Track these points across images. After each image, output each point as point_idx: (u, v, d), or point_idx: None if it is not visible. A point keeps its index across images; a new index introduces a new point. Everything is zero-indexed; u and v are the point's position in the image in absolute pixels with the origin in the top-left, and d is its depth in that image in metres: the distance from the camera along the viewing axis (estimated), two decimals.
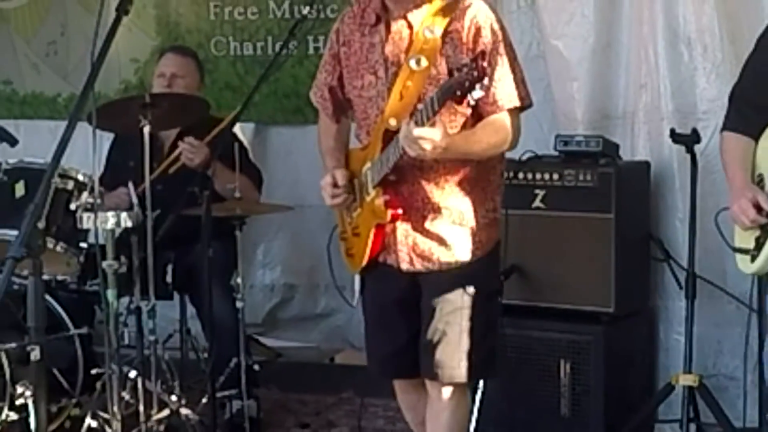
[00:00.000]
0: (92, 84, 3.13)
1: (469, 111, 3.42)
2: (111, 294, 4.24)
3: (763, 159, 3.40)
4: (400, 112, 3.34)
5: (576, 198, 4.55)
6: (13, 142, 5.32)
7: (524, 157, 4.65)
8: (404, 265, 3.53)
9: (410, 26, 3.45)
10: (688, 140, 4.35)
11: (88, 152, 3.81)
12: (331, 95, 3.69)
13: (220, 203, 4.73)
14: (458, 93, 3.10)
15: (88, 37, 3.25)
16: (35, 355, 2.91)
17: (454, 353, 3.49)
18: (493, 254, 3.60)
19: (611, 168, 4.53)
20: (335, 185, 3.57)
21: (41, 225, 3.01)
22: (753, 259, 3.39)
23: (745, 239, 3.43)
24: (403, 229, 3.50)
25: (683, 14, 4.67)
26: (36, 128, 6.35)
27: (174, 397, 4.52)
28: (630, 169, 4.69)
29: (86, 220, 4.26)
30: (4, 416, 4.33)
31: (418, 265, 3.52)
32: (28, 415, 4.23)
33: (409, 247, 3.51)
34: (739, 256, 3.49)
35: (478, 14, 3.41)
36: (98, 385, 4.46)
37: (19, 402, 4.33)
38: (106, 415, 4.29)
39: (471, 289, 3.49)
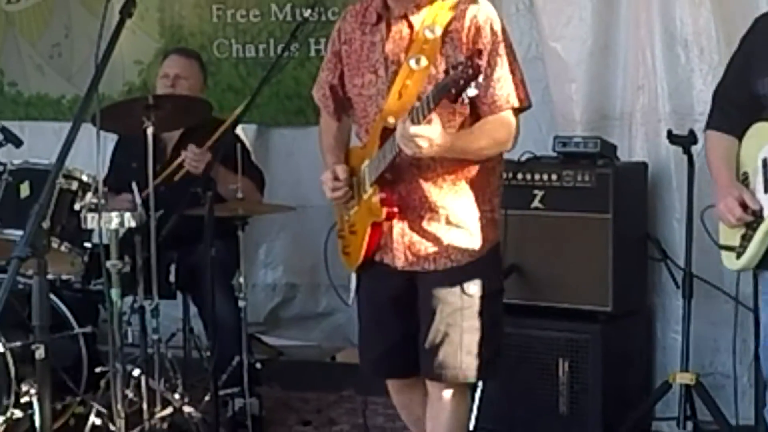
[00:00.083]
0: (96, 86, 3.15)
1: (467, 111, 3.43)
2: (115, 293, 4.26)
3: (747, 157, 3.42)
4: (399, 110, 3.33)
5: (574, 198, 4.57)
6: (17, 143, 5.35)
7: (523, 158, 4.67)
8: (400, 264, 3.51)
9: (411, 26, 3.45)
10: (685, 141, 4.37)
11: (92, 153, 3.81)
12: (332, 93, 3.69)
13: (223, 203, 4.74)
14: (453, 91, 3.09)
15: (92, 40, 3.26)
16: (40, 353, 2.92)
17: (456, 354, 3.48)
18: (493, 255, 3.58)
19: (609, 169, 4.55)
20: (336, 179, 3.57)
21: (46, 225, 3.00)
22: (738, 255, 3.40)
23: (730, 236, 3.44)
24: (399, 227, 3.48)
25: (680, 17, 4.69)
26: (41, 129, 6.36)
27: (177, 395, 4.52)
28: (628, 169, 4.71)
29: (90, 220, 4.26)
30: (9, 414, 4.34)
31: (414, 265, 3.50)
32: (32, 413, 4.29)
33: (405, 246, 3.49)
34: (724, 253, 3.50)
35: (479, 14, 3.41)
36: (102, 383, 4.47)
37: (24, 400, 4.34)
38: (110, 413, 4.29)
39: (470, 290, 3.48)
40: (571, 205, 4.58)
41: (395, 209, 3.44)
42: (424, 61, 3.37)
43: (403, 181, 3.45)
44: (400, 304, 3.57)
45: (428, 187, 3.46)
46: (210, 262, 4.41)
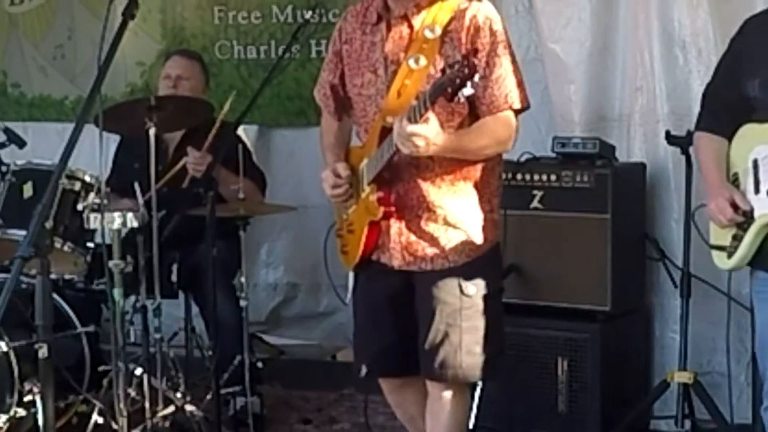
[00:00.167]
0: (99, 87, 3.17)
1: (466, 110, 3.42)
2: (117, 293, 4.27)
3: (737, 158, 3.43)
4: (398, 110, 3.31)
5: (573, 199, 4.59)
6: (21, 143, 5.37)
7: (522, 159, 4.69)
8: (397, 264, 3.51)
9: (410, 26, 3.45)
10: (683, 142, 4.38)
11: (95, 154, 3.77)
12: (332, 93, 3.69)
13: (225, 204, 4.76)
14: (449, 90, 3.08)
15: (94, 41, 3.29)
16: (43, 352, 2.93)
17: (455, 354, 3.47)
18: (492, 255, 3.57)
19: (608, 169, 4.56)
20: (337, 176, 3.56)
21: (49, 225, 3.01)
22: (729, 255, 3.42)
23: (721, 236, 3.46)
24: (396, 227, 3.48)
25: (678, 18, 4.72)
26: (44, 130, 6.39)
27: (179, 394, 4.53)
28: (626, 170, 4.72)
29: (93, 221, 4.28)
30: (12, 413, 4.35)
31: (411, 265, 3.50)
32: (36, 412, 4.31)
33: (402, 246, 3.48)
34: (715, 253, 3.51)
35: (478, 15, 3.40)
36: (105, 382, 4.49)
37: (27, 398, 4.36)
38: (112, 412, 4.31)
39: (469, 291, 3.47)
40: (569, 206, 4.60)
41: (392, 208, 3.43)
42: (423, 61, 3.36)
43: (401, 181, 3.45)
44: (396, 304, 3.56)
45: (426, 187, 3.45)
46: (212, 262, 4.42)
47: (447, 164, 3.43)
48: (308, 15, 4.84)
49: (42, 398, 3.17)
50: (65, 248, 4.69)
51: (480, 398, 4.30)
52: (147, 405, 4.36)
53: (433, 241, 3.48)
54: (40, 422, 3.14)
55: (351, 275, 3.74)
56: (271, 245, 6.32)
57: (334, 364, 5.86)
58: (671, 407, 4.52)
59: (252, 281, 5.76)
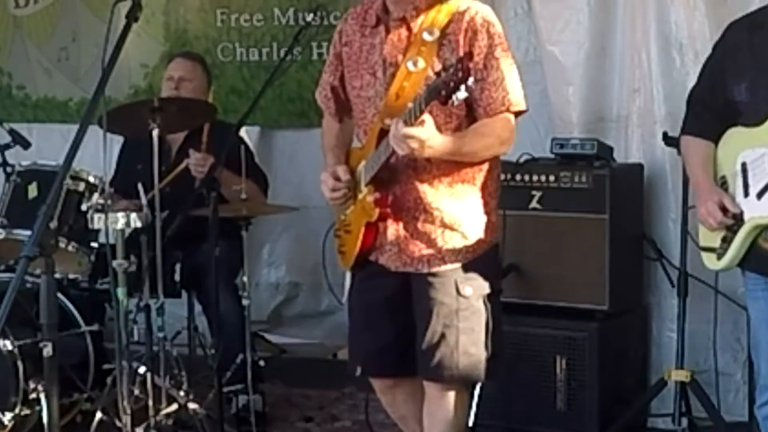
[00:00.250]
0: (103, 88, 3.19)
1: (463, 113, 3.41)
2: (121, 292, 4.29)
3: (724, 161, 3.46)
4: (396, 112, 3.29)
5: (571, 199, 4.61)
6: (26, 145, 5.42)
7: (521, 160, 4.71)
8: (393, 265, 3.50)
9: (409, 28, 3.44)
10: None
11: (99, 155, 3.84)
12: (333, 95, 3.68)
13: (227, 204, 4.78)
14: (443, 93, 3.06)
15: (98, 43, 3.32)
16: (47, 351, 2.95)
17: (452, 355, 3.46)
18: (490, 256, 3.55)
19: (606, 170, 4.58)
20: (337, 179, 3.55)
21: (53, 225, 3.01)
22: (719, 257, 3.45)
23: (711, 238, 3.49)
24: (393, 228, 3.46)
25: (675, 21, 4.75)
26: (48, 131, 6.41)
27: (182, 392, 4.54)
28: (624, 171, 4.75)
29: (97, 221, 4.29)
30: (17, 411, 4.38)
31: (408, 266, 3.48)
32: (40, 410, 4.33)
33: (399, 247, 3.47)
34: (704, 254, 3.55)
35: (476, 17, 3.39)
36: (109, 380, 4.51)
37: (32, 397, 4.38)
38: (116, 410, 4.32)
39: (466, 292, 3.45)
40: (568, 206, 4.62)
41: (388, 210, 3.42)
42: (421, 63, 3.35)
43: (399, 182, 3.43)
44: (393, 305, 3.55)
45: (423, 189, 3.43)
46: (214, 262, 4.44)
47: (444, 166, 3.41)
48: (309, 17, 4.86)
49: (46, 396, 3.20)
50: (69, 248, 4.73)
51: (479, 396, 4.29)
52: (150, 403, 4.37)
53: (430, 242, 3.46)
54: (45, 420, 3.15)
55: (348, 275, 3.74)
56: (273, 245, 6.35)
57: (335, 362, 5.85)
58: (668, 405, 4.55)
59: (254, 281, 5.78)
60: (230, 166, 4.76)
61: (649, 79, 4.82)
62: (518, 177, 4.69)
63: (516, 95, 3.43)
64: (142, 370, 4.42)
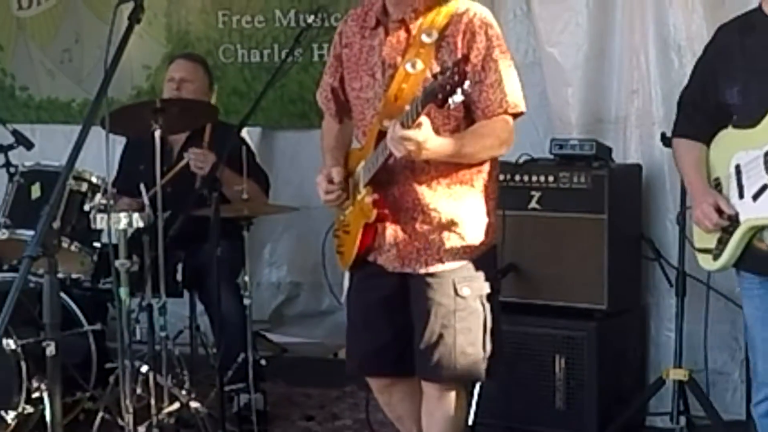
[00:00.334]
0: (105, 90, 3.18)
1: (461, 114, 3.41)
2: (123, 292, 4.31)
3: (718, 163, 3.48)
4: (394, 113, 3.29)
5: (570, 199, 4.62)
6: (29, 145, 5.43)
7: (521, 160, 4.72)
8: (391, 266, 3.51)
9: (408, 30, 3.45)
10: None
11: (102, 155, 3.85)
12: (333, 96, 3.69)
13: (229, 204, 4.80)
14: (440, 96, 3.06)
15: (101, 45, 3.30)
16: (50, 350, 2.93)
17: (450, 355, 3.46)
18: (488, 257, 3.55)
19: (604, 170, 4.60)
20: (330, 182, 3.56)
21: (56, 225, 3.01)
22: (715, 258, 3.48)
23: (706, 240, 3.52)
24: (392, 229, 3.47)
25: (673, 23, 4.76)
26: (51, 132, 6.42)
27: (184, 391, 4.56)
28: (622, 171, 4.76)
29: (99, 221, 4.30)
30: (20, 409, 4.40)
31: (406, 267, 3.49)
32: (43, 408, 4.34)
33: (397, 248, 3.48)
34: (700, 255, 3.58)
35: (474, 19, 3.39)
36: (111, 379, 4.51)
37: (35, 395, 4.40)
38: (118, 408, 4.33)
39: (464, 292, 3.46)
40: (567, 206, 4.64)
41: (386, 211, 3.43)
42: (420, 65, 3.35)
43: (397, 184, 3.44)
44: (391, 305, 3.56)
45: (422, 190, 3.44)
46: (216, 262, 4.47)
47: (443, 167, 3.42)
48: (310, 19, 4.89)
49: (49, 395, 3.18)
50: (72, 248, 4.75)
51: (479, 395, 4.30)
52: (152, 402, 4.39)
53: (428, 243, 3.47)
54: (48, 419, 3.12)
55: (346, 275, 3.74)
56: (274, 245, 6.36)
57: (336, 361, 5.85)
58: (667, 404, 4.56)
59: (255, 280, 5.77)
60: (232, 166, 4.77)
61: (648, 81, 4.84)
62: (517, 177, 4.71)
63: (514, 97, 3.43)
64: (144, 369, 4.43)
